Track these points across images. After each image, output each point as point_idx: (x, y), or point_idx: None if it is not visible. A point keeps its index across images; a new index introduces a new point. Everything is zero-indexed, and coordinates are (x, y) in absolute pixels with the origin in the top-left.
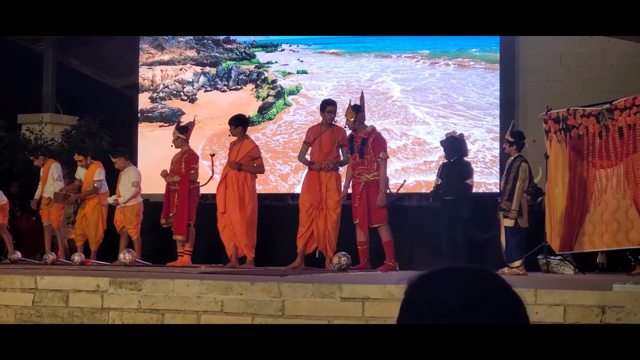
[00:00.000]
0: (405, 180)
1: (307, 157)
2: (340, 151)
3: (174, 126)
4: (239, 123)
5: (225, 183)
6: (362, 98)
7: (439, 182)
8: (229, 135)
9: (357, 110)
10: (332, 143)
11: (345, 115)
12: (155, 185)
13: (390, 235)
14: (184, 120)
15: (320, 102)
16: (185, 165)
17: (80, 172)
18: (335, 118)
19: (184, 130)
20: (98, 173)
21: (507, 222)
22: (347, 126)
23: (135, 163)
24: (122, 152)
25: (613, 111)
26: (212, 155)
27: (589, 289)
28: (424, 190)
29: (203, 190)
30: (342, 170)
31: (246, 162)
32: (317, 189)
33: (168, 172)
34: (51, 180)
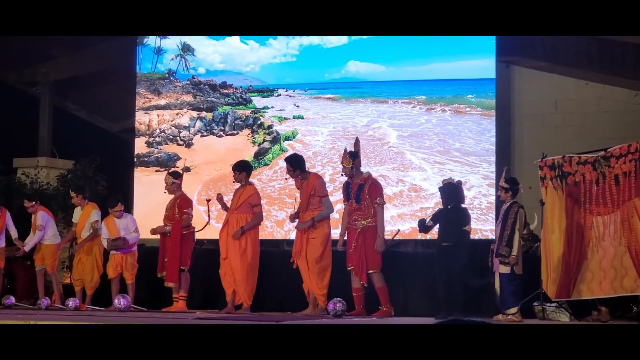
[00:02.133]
0: (399, 230)
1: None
2: (322, 201)
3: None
4: (243, 169)
5: (227, 229)
6: (357, 144)
7: (431, 224)
8: (233, 182)
9: (353, 157)
10: (307, 196)
11: (342, 162)
12: (148, 231)
13: (383, 281)
14: (180, 165)
15: (316, 148)
16: (178, 209)
17: (77, 215)
18: (305, 170)
19: (177, 176)
20: (94, 214)
21: (503, 269)
22: (343, 173)
23: (131, 207)
24: (121, 200)
25: (609, 158)
26: (208, 201)
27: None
28: (419, 237)
29: (199, 235)
30: (339, 216)
31: (245, 209)
32: (298, 239)
33: (163, 219)
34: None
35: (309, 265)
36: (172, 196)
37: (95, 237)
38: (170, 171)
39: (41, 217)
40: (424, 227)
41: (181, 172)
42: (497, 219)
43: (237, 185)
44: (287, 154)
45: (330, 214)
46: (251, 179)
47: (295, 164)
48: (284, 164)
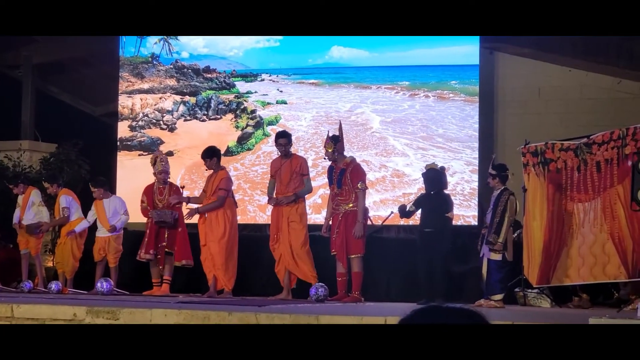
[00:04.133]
0: (392, 212)
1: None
2: (303, 180)
3: (158, 163)
4: (213, 155)
5: (205, 215)
6: (340, 128)
7: (412, 209)
8: (206, 169)
9: (335, 141)
10: (290, 173)
11: (324, 146)
12: (133, 215)
13: (361, 268)
14: (163, 149)
15: (299, 133)
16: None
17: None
18: (290, 149)
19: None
20: (63, 200)
21: (494, 256)
22: (326, 157)
23: (114, 191)
24: (103, 183)
25: (591, 145)
26: (182, 187)
27: (566, 322)
28: (402, 223)
29: None
30: (321, 201)
31: (214, 194)
32: (279, 222)
33: (150, 207)
34: (32, 207)
35: (294, 251)
36: (150, 181)
37: (64, 223)
38: (164, 165)
39: (37, 194)
40: (404, 212)
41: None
42: (479, 205)
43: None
44: (270, 139)
45: (308, 195)
46: (235, 164)
47: (291, 139)
48: (267, 149)
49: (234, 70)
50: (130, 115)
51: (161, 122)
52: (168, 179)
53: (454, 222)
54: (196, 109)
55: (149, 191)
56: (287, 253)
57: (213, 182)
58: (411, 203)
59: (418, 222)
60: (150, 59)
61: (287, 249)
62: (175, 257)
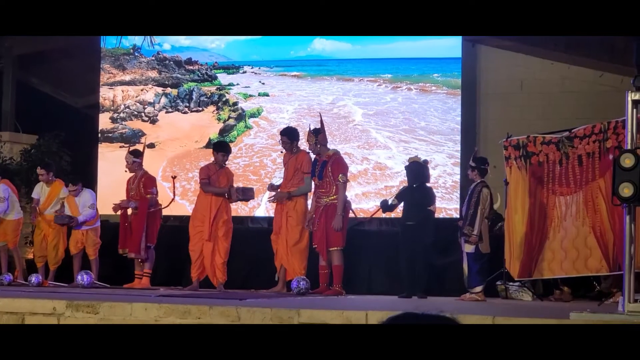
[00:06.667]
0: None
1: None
2: (304, 178)
3: (126, 152)
4: (224, 150)
5: (213, 212)
6: (321, 120)
7: (395, 202)
8: (214, 162)
9: (316, 133)
10: (293, 169)
11: (307, 140)
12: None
13: (341, 260)
14: (142, 141)
15: (280, 126)
16: (143, 189)
17: (38, 191)
18: (298, 145)
19: (138, 155)
20: (64, 191)
21: (468, 248)
22: (310, 150)
23: (95, 183)
24: (80, 179)
25: (573, 139)
26: (174, 178)
27: (547, 316)
28: (384, 215)
29: (164, 212)
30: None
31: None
32: (279, 216)
33: (126, 197)
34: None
35: (288, 248)
36: (132, 173)
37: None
38: (130, 150)
39: (1, 189)
40: (387, 206)
41: (142, 150)
42: (461, 197)
43: (202, 161)
44: (252, 131)
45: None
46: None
47: (292, 136)
48: (249, 141)
49: (215, 62)
50: (112, 107)
51: (143, 114)
52: (142, 172)
53: (436, 215)
54: (178, 101)
55: (128, 181)
56: (282, 247)
57: (228, 177)
58: (393, 196)
59: (400, 215)
60: (131, 50)
61: (282, 242)
62: (130, 248)
